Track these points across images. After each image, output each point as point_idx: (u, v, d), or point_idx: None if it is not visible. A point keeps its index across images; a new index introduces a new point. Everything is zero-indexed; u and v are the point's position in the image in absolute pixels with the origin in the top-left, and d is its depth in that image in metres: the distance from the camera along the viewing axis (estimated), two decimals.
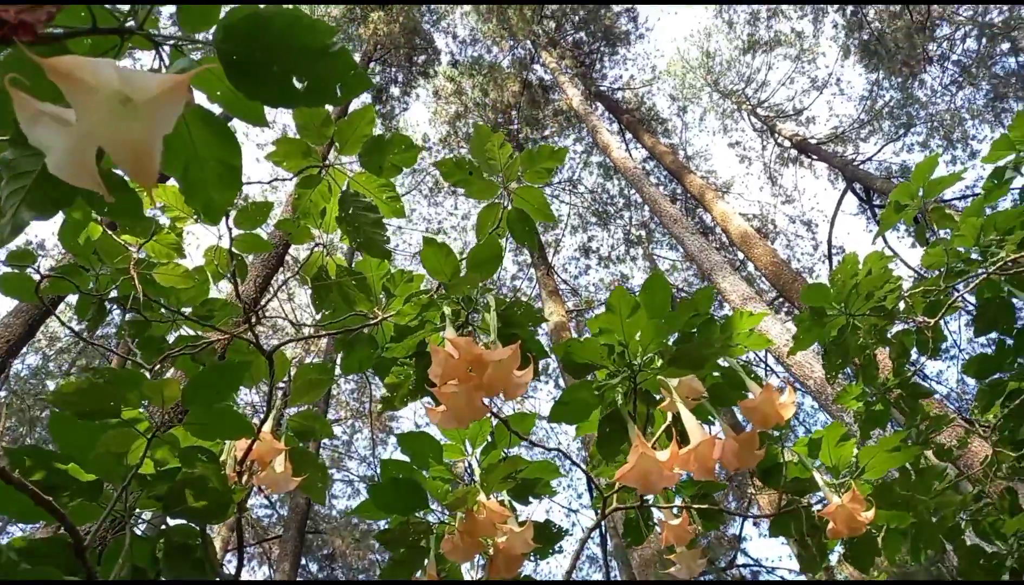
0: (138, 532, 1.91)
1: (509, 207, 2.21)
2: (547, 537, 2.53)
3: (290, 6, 0.98)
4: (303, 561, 17.42)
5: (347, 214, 1.83)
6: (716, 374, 2.31)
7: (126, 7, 1.02)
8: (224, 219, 2.11)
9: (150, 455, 1.65)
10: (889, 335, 3.26)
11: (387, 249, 1.90)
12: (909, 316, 3.39)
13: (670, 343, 2.13)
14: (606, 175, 24.66)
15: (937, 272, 3.14)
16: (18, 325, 7.49)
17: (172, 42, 1.03)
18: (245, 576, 19.38)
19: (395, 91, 21.66)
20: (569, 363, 1.89)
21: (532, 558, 2.55)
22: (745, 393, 2.17)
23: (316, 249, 2.18)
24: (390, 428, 23.20)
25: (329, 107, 1.54)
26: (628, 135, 22.88)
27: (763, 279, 19.00)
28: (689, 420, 1.64)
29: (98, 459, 1.61)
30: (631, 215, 25.42)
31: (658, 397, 2.10)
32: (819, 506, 2.22)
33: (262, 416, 2.25)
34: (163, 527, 1.94)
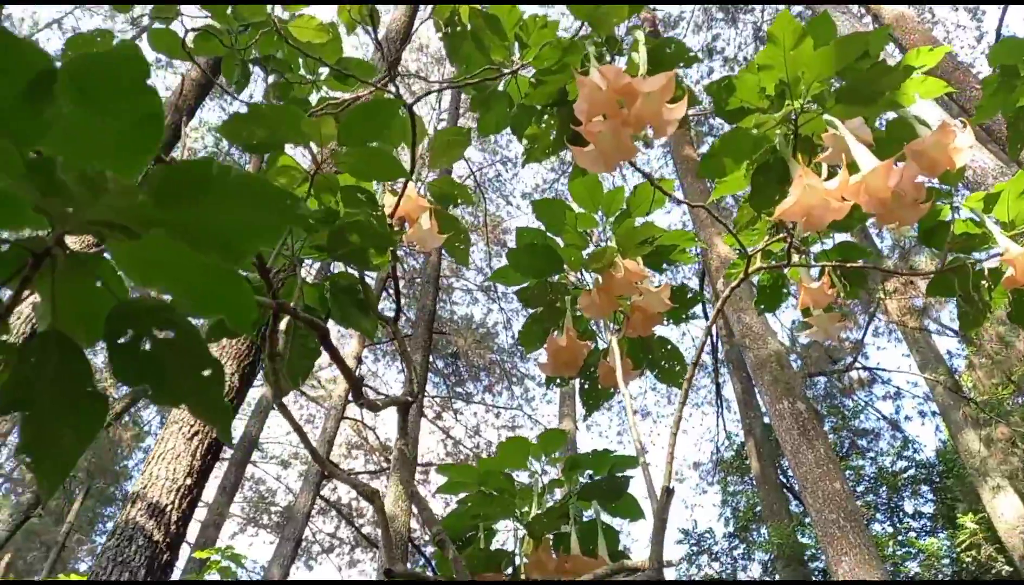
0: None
1: None
2: (682, 301, 2.56)
3: None
4: (431, 358, 19.07)
5: None
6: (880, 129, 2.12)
7: None
8: None
9: (313, 194, 1.74)
10: None
11: None
12: None
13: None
14: None
15: None
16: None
17: None
18: (381, 369, 21.48)
19: None
20: (722, 106, 1.76)
21: (666, 322, 2.60)
22: None
23: None
24: (503, 241, 23.85)
25: None
26: None
27: None
28: (860, 151, 1.51)
29: None
30: (764, 8, 22.84)
31: (819, 148, 1.95)
32: (990, 262, 2.08)
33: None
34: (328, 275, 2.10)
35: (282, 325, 1.76)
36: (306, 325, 1.55)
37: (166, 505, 3.52)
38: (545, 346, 2.54)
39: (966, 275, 2.01)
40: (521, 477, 2.45)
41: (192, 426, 3.81)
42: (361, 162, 1.64)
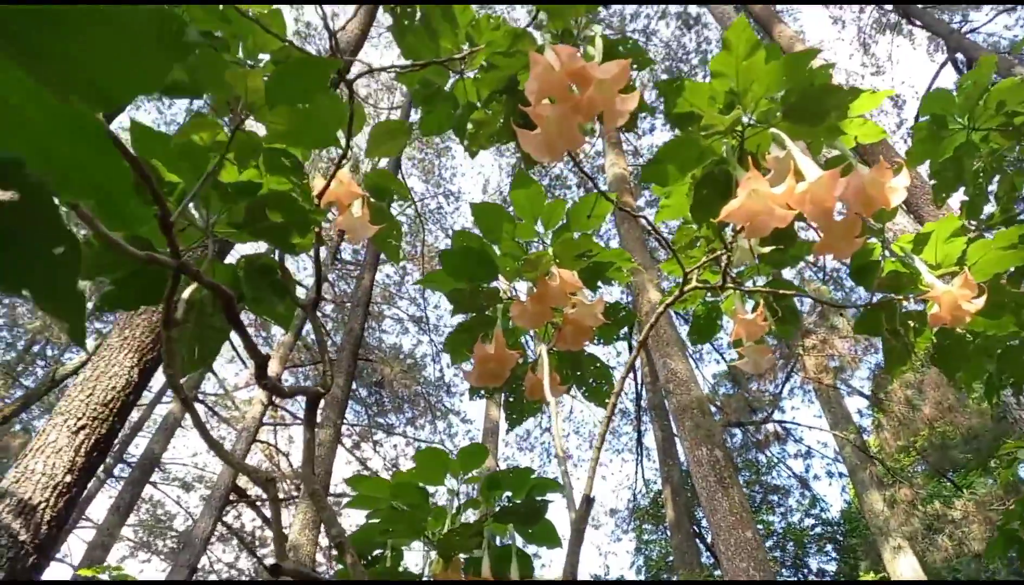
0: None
1: None
2: (615, 318, 2.50)
3: None
4: (354, 386, 18.52)
5: None
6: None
7: None
8: None
9: (229, 159, 1.59)
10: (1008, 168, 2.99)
11: None
12: None
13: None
14: (686, 26, 23.04)
15: None
16: None
17: None
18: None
19: None
20: (672, 109, 1.73)
21: (596, 341, 2.54)
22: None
23: None
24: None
25: None
26: None
27: None
28: (806, 163, 1.49)
29: (180, 155, 1.56)
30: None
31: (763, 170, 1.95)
32: (915, 306, 2.11)
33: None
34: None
35: (186, 294, 1.60)
36: (209, 289, 1.40)
37: (39, 503, 3.15)
38: (472, 354, 2.44)
39: (893, 311, 2.03)
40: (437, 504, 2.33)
41: (79, 419, 3.45)
42: (290, 122, 1.51)
